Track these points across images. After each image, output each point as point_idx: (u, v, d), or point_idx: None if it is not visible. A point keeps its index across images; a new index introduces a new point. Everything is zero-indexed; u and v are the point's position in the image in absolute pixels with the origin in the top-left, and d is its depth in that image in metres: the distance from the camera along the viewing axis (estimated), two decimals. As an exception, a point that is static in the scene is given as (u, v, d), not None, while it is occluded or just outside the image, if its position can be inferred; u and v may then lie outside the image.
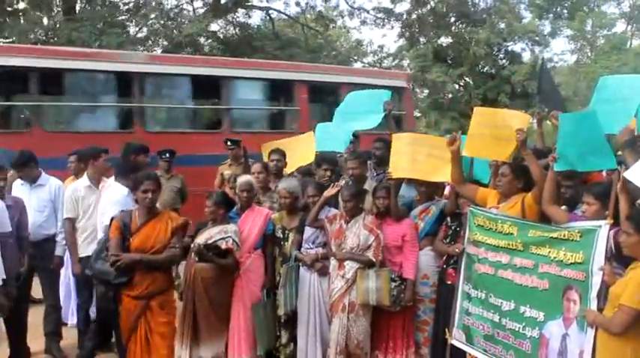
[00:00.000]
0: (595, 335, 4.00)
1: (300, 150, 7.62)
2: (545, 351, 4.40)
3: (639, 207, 4.11)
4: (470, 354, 5.14)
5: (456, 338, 5.22)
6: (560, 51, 64.65)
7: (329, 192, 5.82)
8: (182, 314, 5.55)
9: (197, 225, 5.74)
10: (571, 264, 4.27)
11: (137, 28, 21.29)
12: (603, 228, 4.12)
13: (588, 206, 4.40)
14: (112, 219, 5.18)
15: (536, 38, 30.79)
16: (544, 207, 4.65)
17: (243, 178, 6.15)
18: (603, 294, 4.02)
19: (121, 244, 5.01)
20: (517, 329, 4.63)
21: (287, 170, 7.19)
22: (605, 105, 4.54)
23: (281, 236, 6.06)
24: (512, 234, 4.76)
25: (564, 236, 4.36)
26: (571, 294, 4.24)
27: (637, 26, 37.76)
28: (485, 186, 5.61)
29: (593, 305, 4.06)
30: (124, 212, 5.24)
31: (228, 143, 8.63)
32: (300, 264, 5.88)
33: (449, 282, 5.45)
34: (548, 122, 6.95)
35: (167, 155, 8.51)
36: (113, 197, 5.87)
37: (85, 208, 6.32)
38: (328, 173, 6.63)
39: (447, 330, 5.28)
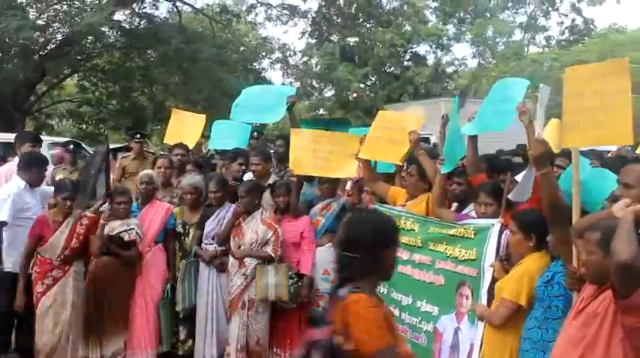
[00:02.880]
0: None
1: (188, 129, 7.53)
2: (440, 345, 4.51)
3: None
4: None
5: None
6: (462, 56, 66.94)
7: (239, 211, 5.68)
8: (85, 310, 5.43)
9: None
10: (465, 260, 4.39)
11: (37, 14, 20.31)
12: (495, 226, 4.25)
13: (486, 206, 4.44)
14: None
15: (440, 41, 31.73)
16: (434, 210, 4.76)
17: (145, 171, 6.14)
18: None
19: None
20: (414, 323, 4.73)
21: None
22: (492, 105, 4.71)
23: (182, 231, 5.98)
24: (414, 230, 4.84)
25: (460, 233, 4.48)
26: (464, 290, 4.37)
27: (532, 34, 39.50)
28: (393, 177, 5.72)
29: (484, 300, 4.18)
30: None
31: (137, 136, 8.26)
32: (200, 259, 5.81)
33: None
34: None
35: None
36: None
37: None
38: (243, 167, 6.60)
39: None
